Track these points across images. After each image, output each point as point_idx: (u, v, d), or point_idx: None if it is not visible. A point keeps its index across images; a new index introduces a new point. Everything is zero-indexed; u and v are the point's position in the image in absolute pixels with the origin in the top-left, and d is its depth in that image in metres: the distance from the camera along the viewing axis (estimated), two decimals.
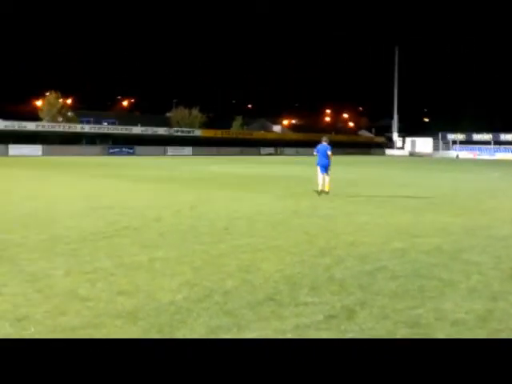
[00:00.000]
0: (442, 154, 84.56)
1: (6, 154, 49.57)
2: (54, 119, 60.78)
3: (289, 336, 4.16)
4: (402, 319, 4.60)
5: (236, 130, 77.46)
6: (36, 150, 52.45)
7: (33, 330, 4.24)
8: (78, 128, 60.71)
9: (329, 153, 15.31)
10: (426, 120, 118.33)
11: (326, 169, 15.21)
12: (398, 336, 4.19)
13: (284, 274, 6.10)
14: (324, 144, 15.61)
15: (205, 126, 72.94)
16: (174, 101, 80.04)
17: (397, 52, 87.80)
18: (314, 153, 15.87)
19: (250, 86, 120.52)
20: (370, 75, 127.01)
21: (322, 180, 15.25)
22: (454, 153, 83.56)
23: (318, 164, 15.42)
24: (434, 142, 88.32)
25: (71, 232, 8.62)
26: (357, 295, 5.30)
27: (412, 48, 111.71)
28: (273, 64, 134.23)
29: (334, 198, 14.50)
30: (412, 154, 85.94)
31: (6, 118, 54.75)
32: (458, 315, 4.73)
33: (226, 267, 6.36)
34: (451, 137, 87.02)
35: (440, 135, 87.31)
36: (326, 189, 15.13)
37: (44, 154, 52.03)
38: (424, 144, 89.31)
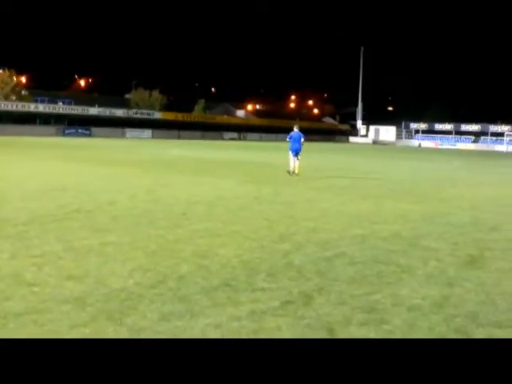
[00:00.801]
0: (405, 142, 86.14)
1: None
2: (7, 98, 58.39)
3: (244, 323, 4.03)
4: (359, 305, 4.55)
5: (198, 113, 76.27)
6: None
7: None
8: (31, 107, 58.23)
9: (302, 140, 17.27)
10: (390, 109, 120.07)
11: (297, 153, 17.00)
12: (354, 321, 4.13)
13: (242, 259, 5.96)
14: (297, 131, 17.52)
15: (165, 108, 71.23)
16: (134, 82, 78.08)
17: (362, 52, 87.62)
18: (287, 139, 17.80)
19: (214, 69, 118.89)
20: (336, 62, 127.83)
21: (293, 163, 16.99)
22: (416, 142, 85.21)
23: (290, 149, 17.25)
24: (397, 131, 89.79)
25: (20, 214, 8.24)
26: (314, 281, 5.22)
27: (378, 38, 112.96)
28: (238, 48, 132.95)
29: (297, 185, 14.50)
30: (375, 142, 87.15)
31: None
32: (414, 301, 4.73)
33: (181, 252, 6.16)
34: (414, 126, 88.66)
35: (403, 124, 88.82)
36: (296, 171, 16.82)
37: None
38: (387, 132, 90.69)
